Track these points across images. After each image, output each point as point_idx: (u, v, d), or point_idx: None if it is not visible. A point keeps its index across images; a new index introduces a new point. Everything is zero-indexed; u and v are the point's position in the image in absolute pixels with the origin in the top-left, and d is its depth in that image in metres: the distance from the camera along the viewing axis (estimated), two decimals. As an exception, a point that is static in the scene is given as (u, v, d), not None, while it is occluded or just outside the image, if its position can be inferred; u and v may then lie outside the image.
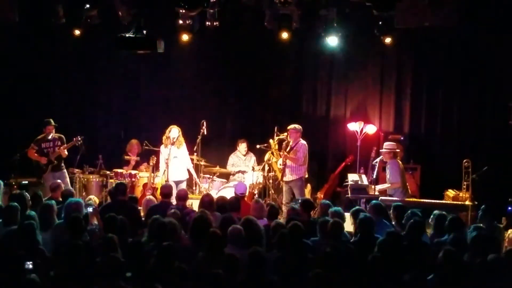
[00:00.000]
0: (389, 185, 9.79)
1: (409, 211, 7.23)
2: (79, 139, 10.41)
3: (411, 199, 9.65)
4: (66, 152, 10.42)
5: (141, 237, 6.73)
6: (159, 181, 10.57)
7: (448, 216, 6.95)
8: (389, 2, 8.55)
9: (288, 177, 10.39)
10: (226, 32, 11.14)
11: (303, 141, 10.42)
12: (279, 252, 6.06)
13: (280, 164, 10.57)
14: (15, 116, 12.01)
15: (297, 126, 10.46)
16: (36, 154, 10.36)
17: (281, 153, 10.49)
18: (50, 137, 10.39)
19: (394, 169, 9.80)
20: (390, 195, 9.64)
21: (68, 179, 10.44)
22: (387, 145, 10.16)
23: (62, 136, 10.52)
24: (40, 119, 10.68)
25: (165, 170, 10.53)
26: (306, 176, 10.54)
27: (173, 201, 8.71)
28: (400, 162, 10.03)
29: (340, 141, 12.26)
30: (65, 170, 10.53)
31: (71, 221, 6.49)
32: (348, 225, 7.48)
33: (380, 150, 10.33)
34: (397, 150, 10.12)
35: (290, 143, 10.43)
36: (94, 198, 9.25)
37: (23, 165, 10.69)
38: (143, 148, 11.43)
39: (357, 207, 7.98)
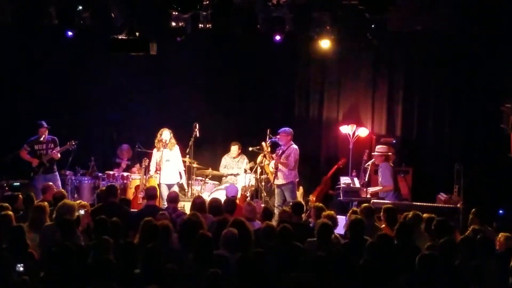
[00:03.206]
0: (381, 187, 9.83)
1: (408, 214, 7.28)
2: (73, 143, 10.38)
3: (403, 202, 9.68)
4: (59, 155, 10.39)
5: (133, 239, 6.73)
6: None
7: (435, 220, 6.97)
8: (381, 6, 8.55)
9: (280, 180, 10.40)
10: (219, 35, 11.09)
11: (294, 146, 10.42)
12: (270, 254, 6.05)
13: (272, 167, 10.58)
14: (7, 117, 11.97)
15: (287, 129, 10.46)
16: (28, 156, 10.33)
17: (274, 155, 10.50)
18: (43, 139, 10.36)
19: (386, 172, 9.83)
20: (382, 198, 9.67)
21: (59, 182, 10.41)
22: (379, 148, 10.20)
23: (55, 138, 10.49)
24: (32, 120, 10.65)
25: (156, 172, 10.54)
26: (297, 179, 10.55)
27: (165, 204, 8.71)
28: (392, 165, 10.06)
29: (333, 144, 12.26)
30: (57, 173, 10.50)
31: (61, 223, 6.49)
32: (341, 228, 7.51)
33: (372, 153, 10.36)
34: (389, 154, 10.14)
35: (282, 147, 10.44)
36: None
37: (15, 167, 10.66)
38: (135, 152, 11.41)
39: (353, 208, 8.00)
